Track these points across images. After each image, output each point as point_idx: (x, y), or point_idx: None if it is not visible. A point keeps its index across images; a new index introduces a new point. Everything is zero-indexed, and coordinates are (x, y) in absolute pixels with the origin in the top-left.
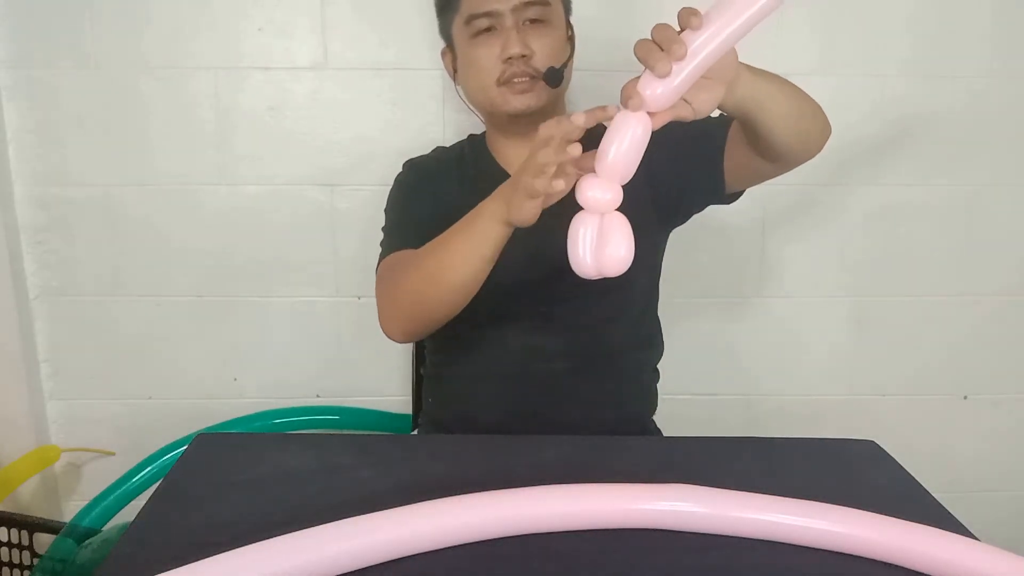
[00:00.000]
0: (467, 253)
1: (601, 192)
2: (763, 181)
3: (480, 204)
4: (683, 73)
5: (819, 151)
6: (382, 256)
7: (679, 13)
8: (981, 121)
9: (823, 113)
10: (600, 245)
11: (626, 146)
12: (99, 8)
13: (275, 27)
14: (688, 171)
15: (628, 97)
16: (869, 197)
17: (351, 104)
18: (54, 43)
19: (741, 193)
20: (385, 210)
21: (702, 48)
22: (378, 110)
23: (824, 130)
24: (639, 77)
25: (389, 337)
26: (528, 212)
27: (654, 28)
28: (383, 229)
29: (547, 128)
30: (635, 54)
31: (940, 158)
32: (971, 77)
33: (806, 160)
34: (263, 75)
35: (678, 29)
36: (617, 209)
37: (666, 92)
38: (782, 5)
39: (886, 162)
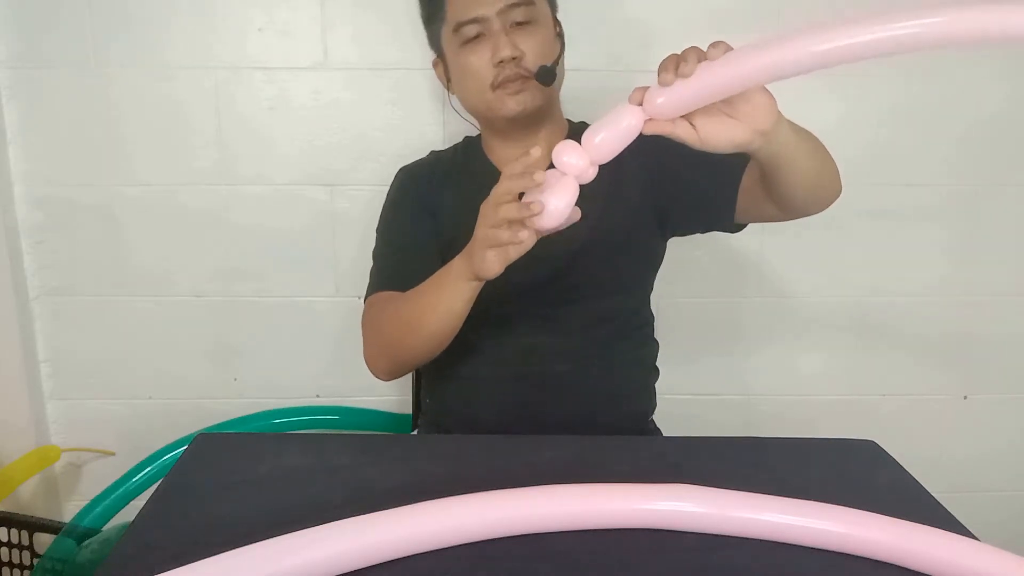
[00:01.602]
0: (439, 308)
1: (576, 158)
2: (764, 222)
3: (450, 262)
4: (685, 90)
5: (823, 210)
6: (368, 291)
7: (713, 42)
8: (981, 121)
9: (839, 176)
10: (542, 197)
11: (612, 133)
12: (99, 8)
13: (275, 27)
14: (701, 193)
15: (634, 92)
16: (869, 197)
17: (351, 104)
18: (54, 43)
19: (745, 225)
20: (376, 229)
21: (709, 76)
22: (378, 110)
23: (836, 193)
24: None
25: (374, 375)
26: (491, 265)
27: (686, 48)
28: (372, 254)
29: (511, 168)
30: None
31: (940, 158)
32: (972, 77)
33: (809, 215)
34: (263, 75)
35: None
36: (612, 218)
37: (665, 103)
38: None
39: (886, 162)
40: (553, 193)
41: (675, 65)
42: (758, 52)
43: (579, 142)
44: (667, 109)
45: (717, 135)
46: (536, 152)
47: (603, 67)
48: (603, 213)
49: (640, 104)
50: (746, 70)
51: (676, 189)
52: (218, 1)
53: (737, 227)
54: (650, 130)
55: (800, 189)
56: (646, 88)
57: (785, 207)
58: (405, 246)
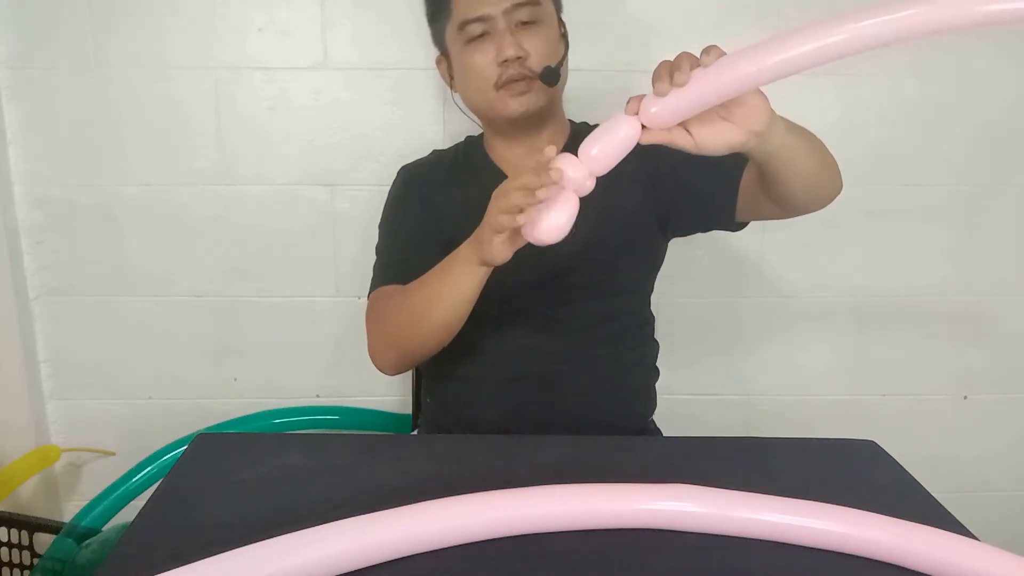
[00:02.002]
0: (447, 296)
1: (574, 171)
2: (766, 219)
3: (457, 248)
4: (680, 99)
5: (824, 207)
6: (372, 286)
7: (705, 47)
8: (981, 121)
9: (839, 173)
10: (542, 212)
11: (609, 145)
12: (99, 8)
13: (275, 27)
14: (701, 194)
15: (629, 102)
16: (869, 197)
17: (351, 104)
18: (54, 43)
19: (747, 223)
20: (379, 225)
21: (704, 83)
22: (378, 110)
23: (836, 190)
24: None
25: (379, 369)
26: (498, 250)
27: (679, 54)
28: (376, 249)
29: (528, 164)
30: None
31: (940, 158)
32: (972, 77)
33: (810, 212)
34: (263, 75)
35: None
36: (612, 219)
37: (660, 112)
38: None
39: (886, 162)
40: (553, 208)
41: (669, 74)
42: (753, 55)
43: (578, 145)
44: (663, 118)
45: (713, 139)
46: (551, 151)
47: (603, 67)
48: (603, 214)
49: (636, 114)
50: (741, 74)
51: (676, 191)
52: (218, 1)
53: (738, 226)
54: (647, 140)
55: (798, 188)
56: (641, 97)
57: (784, 205)
58: (408, 241)
